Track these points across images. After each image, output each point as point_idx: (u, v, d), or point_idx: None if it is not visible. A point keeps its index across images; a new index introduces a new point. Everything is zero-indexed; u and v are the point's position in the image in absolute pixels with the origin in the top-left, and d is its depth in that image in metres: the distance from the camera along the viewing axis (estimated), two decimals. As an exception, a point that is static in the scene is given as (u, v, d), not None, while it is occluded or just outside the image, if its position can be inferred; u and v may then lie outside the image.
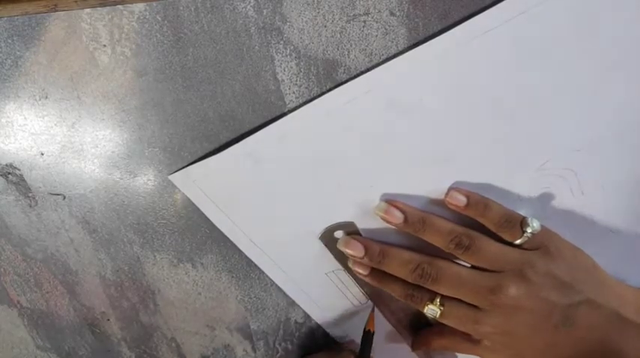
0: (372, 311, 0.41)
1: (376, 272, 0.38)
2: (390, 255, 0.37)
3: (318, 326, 0.45)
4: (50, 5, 0.31)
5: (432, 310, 0.35)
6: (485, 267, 0.34)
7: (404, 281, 0.36)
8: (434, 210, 0.37)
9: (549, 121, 0.35)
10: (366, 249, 0.37)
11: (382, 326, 0.44)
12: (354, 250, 0.37)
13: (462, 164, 0.36)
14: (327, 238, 0.39)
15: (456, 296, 0.34)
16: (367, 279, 0.38)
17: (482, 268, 0.34)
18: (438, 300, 0.35)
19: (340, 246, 0.38)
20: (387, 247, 0.37)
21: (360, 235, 0.38)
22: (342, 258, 0.39)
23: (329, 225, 0.38)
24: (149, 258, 0.40)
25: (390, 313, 0.43)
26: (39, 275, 0.41)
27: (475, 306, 0.34)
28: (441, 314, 0.35)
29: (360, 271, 0.38)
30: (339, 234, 0.38)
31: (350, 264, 0.39)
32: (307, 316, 0.44)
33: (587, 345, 0.33)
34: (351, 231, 0.38)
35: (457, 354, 0.44)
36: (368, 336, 0.40)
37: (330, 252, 0.39)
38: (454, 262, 0.36)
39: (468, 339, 0.36)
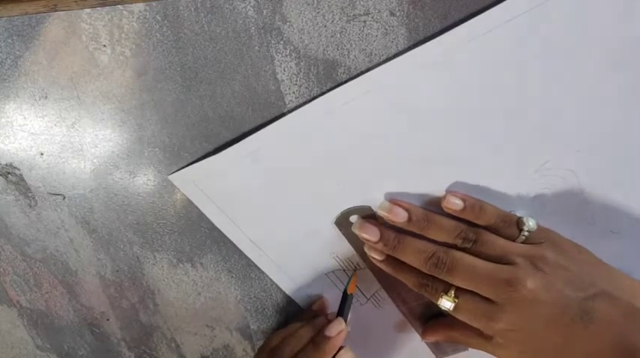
0: (354, 274, 0.41)
1: (391, 260, 0.37)
2: (405, 241, 0.36)
3: (318, 326, 0.45)
4: (50, 5, 0.31)
5: (446, 302, 0.34)
6: (495, 261, 0.34)
7: (419, 271, 0.36)
8: (434, 210, 0.37)
9: (549, 121, 0.35)
10: (382, 233, 0.37)
11: (393, 314, 0.44)
12: (369, 234, 0.37)
13: (462, 164, 0.36)
14: (343, 222, 0.38)
15: (471, 288, 0.34)
16: (382, 266, 0.38)
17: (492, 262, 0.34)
18: (453, 292, 0.34)
19: (355, 230, 0.38)
20: (402, 234, 0.37)
21: (376, 219, 0.38)
22: (356, 243, 0.39)
23: (333, 217, 0.38)
24: (149, 258, 0.40)
25: (402, 302, 0.43)
26: (39, 275, 0.41)
27: (489, 300, 0.33)
28: (454, 308, 0.34)
29: (375, 256, 0.38)
30: (354, 218, 0.38)
31: (365, 249, 0.38)
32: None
33: (603, 342, 0.32)
34: (367, 215, 0.38)
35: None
36: (346, 298, 0.39)
37: (345, 236, 0.39)
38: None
39: (479, 334, 0.36)
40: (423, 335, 0.43)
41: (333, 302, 0.43)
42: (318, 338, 0.37)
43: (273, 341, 0.39)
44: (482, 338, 0.36)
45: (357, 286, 0.42)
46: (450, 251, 0.35)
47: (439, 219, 0.36)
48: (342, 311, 0.39)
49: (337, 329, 0.37)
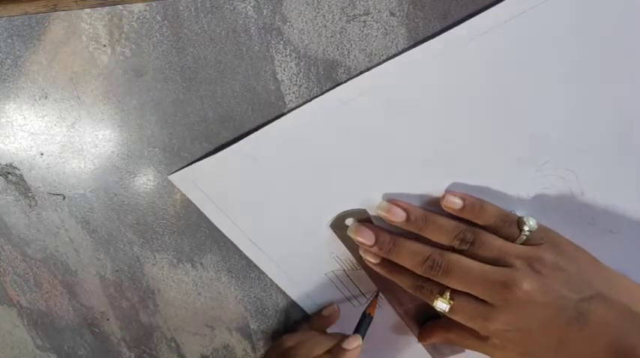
0: (376, 297, 0.41)
1: (386, 262, 0.37)
2: (400, 244, 0.36)
3: (318, 326, 0.45)
4: (50, 5, 0.31)
5: (441, 304, 0.34)
6: (492, 262, 0.34)
7: (414, 274, 0.36)
8: (434, 210, 0.37)
9: (549, 121, 0.35)
10: (377, 237, 0.37)
11: (389, 316, 0.44)
12: (364, 238, 0.37)
13: (462, 164, 0.36)
14: (338, 225, 0.38)
15: (467, 290, 0.34)
16: (377, 269, 0.38)
17: (489, 263, 0.34)
18: (448, 294, 0.34)
19: (350, 233, 0.38)
20: (398, 237, 0.37)
21: (372, 223, 0.38)
22: (352, 246, 0.39)
23: (331, 218, 0.38)
24: (149, 258, 0.40)
25: (399, 304, 0.43)
26: (39, 275, 0.41)
27: (485, 302, 0.33)
28: (450, 309, 0.34)
29: (371, 260, 0.38)
30: (349, 221, 0.38)
31: (361, 252, 0.38)
32: (307, 316, 0.44)
33: (598, 344, 0.32)
34: (363, 218, 0.38)
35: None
36: (366, 318, 0.40)
37: (341, 239, 0.39)
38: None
39: (476, 335, 0.36)
40: (419, 337, 0.43)
41: (330, 302, 0.43)
42: (335, 349, 0.37)
43: (286, 343, 0.39)
44: (479, 340, 0.36)
45: (356, 286, 0.42)
46: (446, 253, 0.35)
47: (438, 218, 0.36)
48: (359, 329, 0.39)
49: (354, 344, 0.37)
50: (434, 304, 0.35)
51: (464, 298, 0.34)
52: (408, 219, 0.36)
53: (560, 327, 0.32)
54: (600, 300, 0.32)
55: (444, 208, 0.36)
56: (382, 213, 0.36)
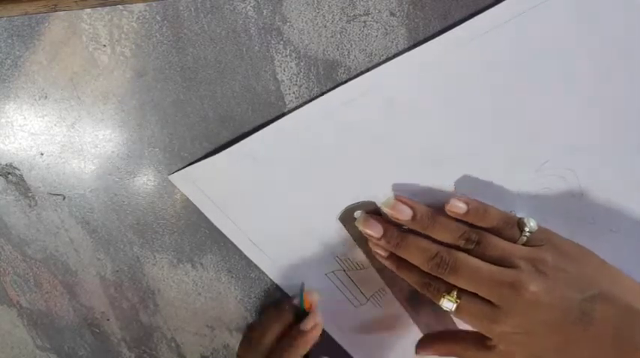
0: (302, 290, 0.41)
1: (395, 257, 0.37)
2: (408, 240, 0.36)
3: (318, 326, 0.45)
4: (50, 5, 0.31)
5: (447, 303, 0.34)
6: (497, 263, 0.34)
7: (422, 271, 0.36)
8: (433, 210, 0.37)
9: (549, 121, 0.35)
10: (385, 230, 0.36)
11: (393, 315, 0.44)
12: (372, 230, 0.37)
13: (461, 164, 0.36)
14: (347, 218, 0.38)
15: (474, 290, 0.34)
16: (386, 263, 0.38)
17: (494, 264, 0.34)
18: (455, 293, 0.34)
19: (359, 225, 0.37)
20: (406, 233, 0.36)
21: (381, 215, 0.38)
22: (360, 240, 0.39)
23: (332, 217, 0.38)
24: (149, 258, 0.40)
25: (400, 292, 0.43)
26: (39, 275, 0.41)
27: (491, 303, 0.33)
28: (457, 308, 0.34)
29: (380, 253, 0.38)
30: (358, 213, 0.38)
31: (370, 245, 0.38)
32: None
33: (603, 343, 0.32)
34: (371, 210, 0.38)
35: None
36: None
37: (349, 232, 0.39)
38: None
39: (482, 346, 0.35)
40: (417, 350, 0.42)
41: (331, 302, 0.43)
42: (293, 332, 0.39)
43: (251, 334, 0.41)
44: (486, 349, 0.35)
45: (357, 286, 0.42)
46: (453, 251, 0.35)
47: (443, 219, 0.36)
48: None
49: (311, 323, 0.39)
50: (440, 303, 0.35)
51: (471, 298, 0.34)
52: (414, 217, 0.36)
53: (565, 328, 0.32)
54: (604, 299, 0.32)
55: (448, 212, 0.36)
56: (387, 210, 0.36)
